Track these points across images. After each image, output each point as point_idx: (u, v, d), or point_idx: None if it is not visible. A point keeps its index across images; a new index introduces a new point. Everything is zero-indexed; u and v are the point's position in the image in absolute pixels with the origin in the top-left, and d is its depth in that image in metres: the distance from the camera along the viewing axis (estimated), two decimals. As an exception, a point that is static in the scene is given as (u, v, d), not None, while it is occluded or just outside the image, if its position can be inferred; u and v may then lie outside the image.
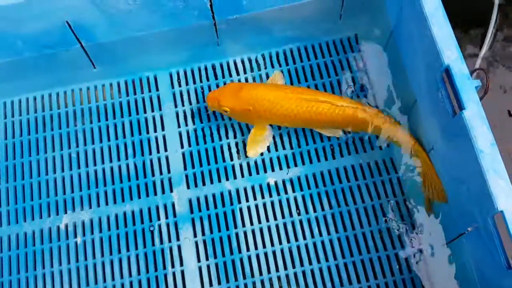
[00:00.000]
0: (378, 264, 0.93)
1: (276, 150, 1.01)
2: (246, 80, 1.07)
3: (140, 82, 1.08)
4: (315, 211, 0.97)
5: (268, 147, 1.01)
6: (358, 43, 1.08)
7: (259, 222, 0.97)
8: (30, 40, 0.96)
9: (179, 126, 1.04)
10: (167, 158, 1.02)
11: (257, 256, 0.95)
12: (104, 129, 1.05)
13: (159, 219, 0.98)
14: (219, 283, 0.93)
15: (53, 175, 1.02)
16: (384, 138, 0.96)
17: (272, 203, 0.98)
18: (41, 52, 0.99)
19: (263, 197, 0.98)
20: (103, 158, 1.03)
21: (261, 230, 0.96)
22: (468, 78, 0.74)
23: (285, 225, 0.96)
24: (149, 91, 1.08)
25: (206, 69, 1.08)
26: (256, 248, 0.95)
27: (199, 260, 0.95)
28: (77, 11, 0.91)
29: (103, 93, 1.08)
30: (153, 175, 1.01)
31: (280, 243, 0.95)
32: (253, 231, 0.96)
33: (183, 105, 1.06)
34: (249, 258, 0.94)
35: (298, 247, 0.95)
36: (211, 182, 1.00)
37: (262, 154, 1.01)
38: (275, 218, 0.97)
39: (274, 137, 1.01)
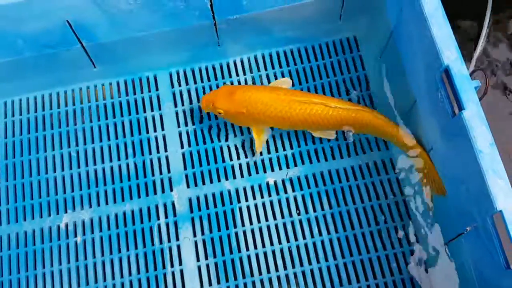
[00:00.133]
0: (378, 264, 0.93)
1: (276, 150, 1.02)
2: (246, 80, 1.07)
3: (140, 82, 1.09)
4: (314, 211, 0.97)
5: (268, 147, 1.01)
6: (358, 44, 1.09)
7: (259, 221, 0.97)
8: (30, 40, 0.96)
9: (178, 126, 1.05)
10: (167, 157, 1.02)
11: (257, 256, 0.95)
12: (104, 128, 1.05)
13: (159, 218, 0.98)
14: (218, 282, 0.93)
15: (53, 174, 1.02)
16: (381, 137, 0.97)
17: (272, 203, 0.98)
18: (41, 51, 0.99)
19: (262, 196, 0.99)
20: (103, 158, 1.03)
21: (260, 229, 0.96)
22: (467, 79, 0.74)
23: (284, 225, 0.97)
24: (149, 91, 1.08)
25: (206, 69, 1.09)
26: (255, 247, 0.95)
27: (198, 260, 0.95)
28: (78, 10, 0.92)
29: (103, 93, 1.08)
30: (153, 174, 1.01)
31: (280, 242, 0.95)
32: (252, 231, 0.96)
33: (183, 105, 1.06)
34: (249, 257, 0.95)
35: (298, 247, 0.95)
36: (211, 182, 1.00)
37: (261, 154, 1.01)
38: (275, 218, 0.97)
39: (274, 137, 1.02)
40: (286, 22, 1.04)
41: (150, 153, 1.03)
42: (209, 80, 1.08)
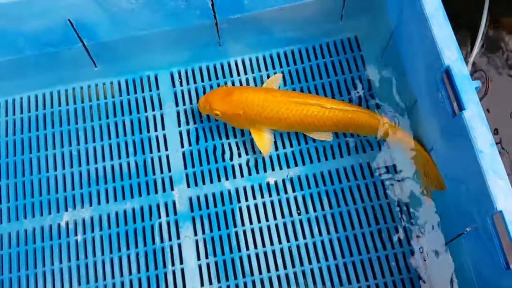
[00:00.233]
0: (377, 264, 0.93)
1: (276, 150, 1.02)
2: (247, 80, 1.07)
3: (141, 81, 1.09)
4: (315, 211, 0.97)
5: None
6: (358, 44, 1.09)
7: (259, 221, 0.97)
8: (31, 38, 0.96)
9: (179, 125, 1.05)
10: (167, 157, 1.02)
11: (257, 255, 0.95)
12: (105, 127, 1.05)
13: (159, 217, 0.98)
14: (219, 281, 0.94)
15: (54, 172, 1.02)
16: (378, 137, 0.98)
17: (272, 203, 0.98)
18: (42, 50, 0.99)
19: (262, 196, 0.99)
20: (104, 156, 1.03)
21: (260, 229, 0.96)
22: (468, 79, 0.74)
23: (284, 224, 0.97)
24: (150, 90, 1.08)
25: (207, 69, 1.09)
26: (255, 247, 0.95)
27: (199, 259, 0.95)
28: (79, 9, 0.92)
29: (104, 92, 1.08)
30: (153, 173, 1.01)
31: (280, 242, 0.95)
32: (252, 230, 0.96)
33: (183, 105, 1.06)
34: (249, 257, 0.95)
35: (298, 247, 0.95)
36: (211, 181, 1.00)
37: (261, 152, 1.01)
38: (275, 218, 0.97)
39: (274, 136, 1.02)
40: (287, 22, 1.04)
41: (151, 152, 1.03)
42: (210, 79, 1.08)
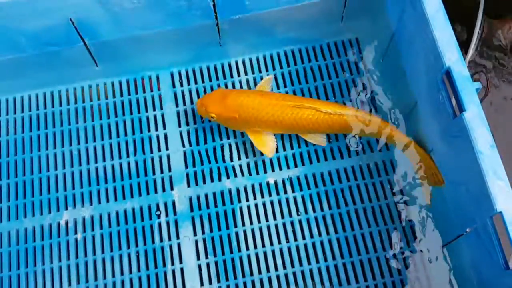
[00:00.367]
0: (377, 265, 0.93)
1: (277, 150, 1.02)
2: (248, 81, 1.08)
3: (142, 81, 1.09)
4: (314, 211, 0.97)
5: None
6: (359, 45, 1.09)
7: (259, 221, 0.97)
8: (33, 37, 0.96)
9: (180, 126, 1.05)
10: (168, 156, 1.02)
11: (256, 255, 0.95)
12: (106, 127, 1.05)
13: (159, 217, 0.98)
14: (218, 281, 0.94)
15: (54, 171, 1.02)
16: (376, 138, 0.98)
17: (272, 203, 0.98)
18: (43, 49, 0.99)
19: (263, 196, 0.99)
20: (104, 156, 1.03)
21: (260, 229, 0.97)
22: (468, 80, 0.74)
23: (284, 225, 0.97)
24: (151, 90, 1.08)
25: (208, 69, 1.09)
26: (255, 247, 0.95)
27: (198, 258, 0.95)
28: (81, 9, 0.92)
29: (105, 92, 1.08)
30: (154, 173, 1.01)
31: (280, 242, 0.96)
32: (252, 230, 0.96)
33: (184, 105, 1.06)
34: (248, 257, 0.95)
35: (297, 247, 0.95)
36: (211, 181, 1.00)
37: (262, 154, 1.01)
38: (275, 218, 0.97)
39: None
40: (287, 23, 1.05)
41: (151, 151, 1.03)
42: (210, 80, 1.08)
